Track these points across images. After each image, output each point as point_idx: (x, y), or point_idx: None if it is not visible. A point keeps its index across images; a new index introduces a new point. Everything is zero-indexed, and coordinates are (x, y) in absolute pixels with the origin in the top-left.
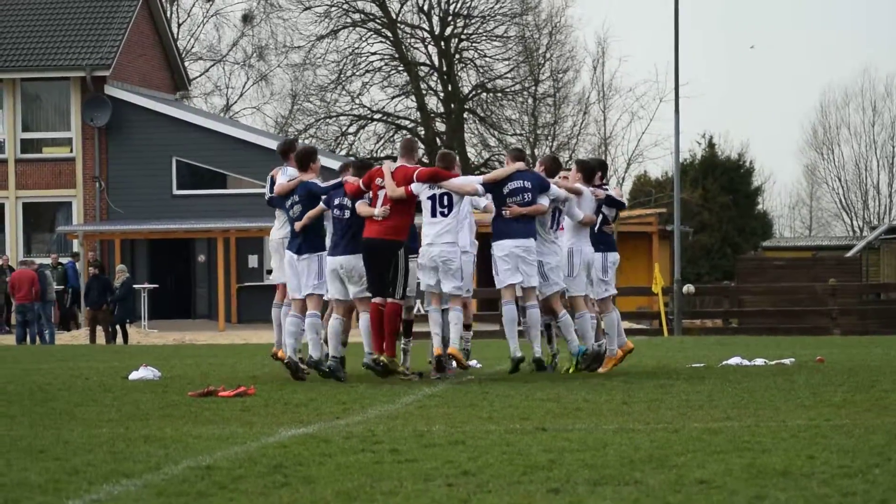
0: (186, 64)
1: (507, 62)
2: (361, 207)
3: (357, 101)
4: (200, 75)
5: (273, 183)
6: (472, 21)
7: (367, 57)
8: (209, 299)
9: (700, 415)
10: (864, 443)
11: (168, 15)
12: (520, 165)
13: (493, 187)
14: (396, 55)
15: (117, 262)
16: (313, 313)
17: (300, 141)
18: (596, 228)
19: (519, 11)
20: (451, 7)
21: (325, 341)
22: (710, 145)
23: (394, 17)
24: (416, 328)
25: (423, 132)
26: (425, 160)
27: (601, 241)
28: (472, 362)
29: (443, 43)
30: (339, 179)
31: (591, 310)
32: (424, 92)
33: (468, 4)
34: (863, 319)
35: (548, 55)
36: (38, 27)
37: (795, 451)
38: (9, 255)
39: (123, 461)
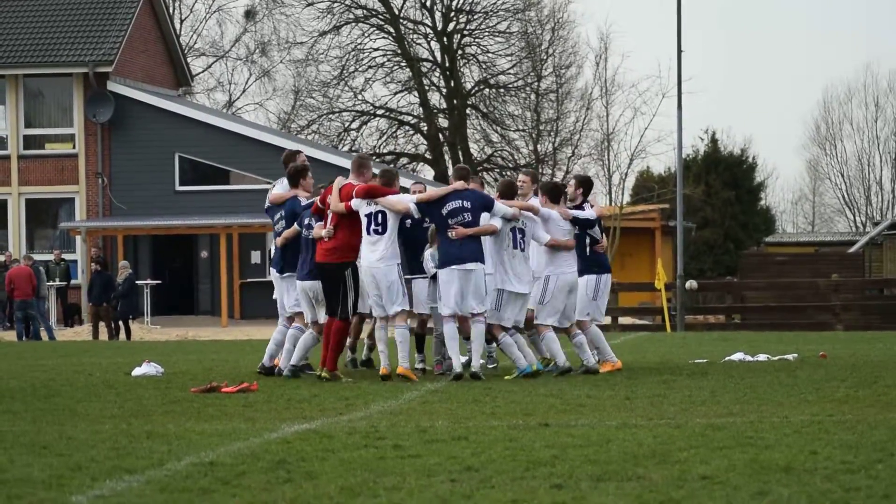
0: (189, 60)
1: (509, 58)
2: (315, 230)
3: (360, 97)
4: (203, 71)
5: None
6: (475, 17)
7: (370, 53)
8: (212, 295)
9: (703, 410)
10: (866, 438)
11: (170, 11)
12: (458, 185)
13: (430, 208)
14: (399, 51)
15: (120, 259)
16: (297, 327)
17: (306, 136)
18: (587, 250)
19: (521, 7)
20: (454, 3)
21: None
22: (713, 141)
23: (396, 12)
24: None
25: (425, 128)
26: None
27: (595, 263)
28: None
29: (445, 39)
30: (315, 199)
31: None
32: (427, 88)
33: (471, 0)
34: (865, 315)
35: (550, 51)
36: (40, 23)
37: (798, 447)
38: (11, 252)
39: (126, 457)
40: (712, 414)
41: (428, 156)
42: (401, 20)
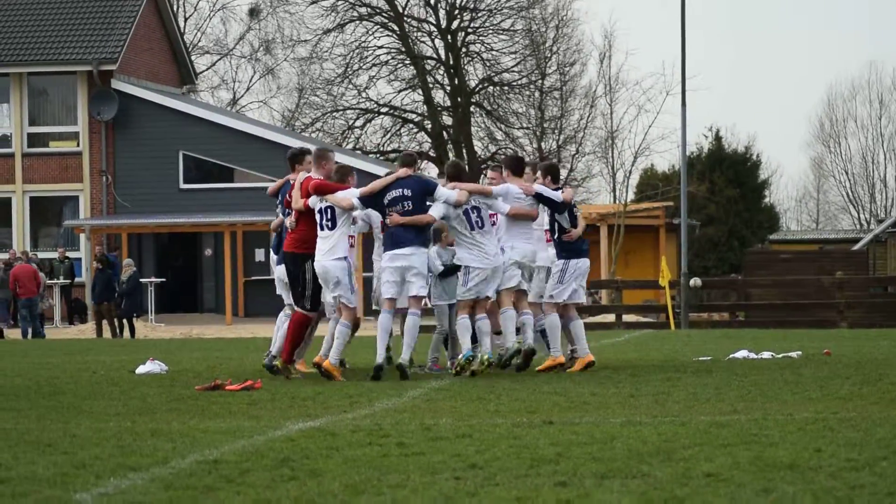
0: (193, 58)
1: (513, 56)
2: (287, 220)
3: (364, 94)
4: (207, 69)
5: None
6: (479, 14)
7: (374, 51)
8: (216, 293)
9: (707, 408)
10: (871, 436)
11: (174, 9)
12: (401, 173)
13: (374, 200)
14: (403, 49)
15: (124, 257)
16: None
17: (311, 134)
18: (556, 236)
19: (525, 5)
20: (458, 0)
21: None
22: (717, 138)
23: (400, 10)
24: (426, 322)
25: (429, 126)
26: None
27: (563, 248)
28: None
29: (449, 36)
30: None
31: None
32: (431, 85)
33: None
34: (870, 312)
35: (554, 48)
36: (44, 21)
37: (803, 445)
38: (16, 250)
39: (131, 455)
40: (716, 411)
41: (432, 154)
42: (405, 18)
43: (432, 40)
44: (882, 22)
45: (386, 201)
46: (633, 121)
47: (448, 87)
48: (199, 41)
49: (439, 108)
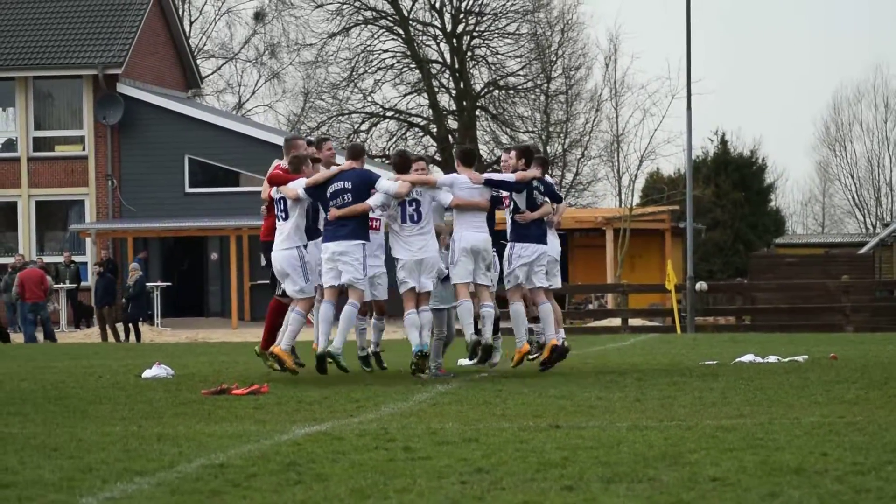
0: (198, 62)
1: (519, 59)
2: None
3: (369, 98)
4: (212, 73)
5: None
6: (484, 18)
7: (379, 54)
8: (222, 297)
9: (713, 412)
10: (877, 440)
11: (180, 13)
12: (345, 165)
13: (316, 191)
14: (408, 53)
15: (130, 260)
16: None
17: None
18: (508, 217)
19: (531, 8)
20: (463, 4)
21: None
22: (723, 142)
23: (406, 14)
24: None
25: (435, 129)
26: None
27: (514, 232)
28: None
29: (455, 40)
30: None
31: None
32: (436, 89)
33: (480, 2)
34: (875, 316)
35: (560, 52)
36: (50, 25)
37: (809, 449)
38: (23, 254)
39: (137, 459)
40: (723, 415)
41: (438, 157)
42: (410, 22)
43: (437, 44)
44: (888, 25)
45: (328, 194)
46: (638, 124)
47: (453, 91)
48: (205, 45)
49: (445, 112)
